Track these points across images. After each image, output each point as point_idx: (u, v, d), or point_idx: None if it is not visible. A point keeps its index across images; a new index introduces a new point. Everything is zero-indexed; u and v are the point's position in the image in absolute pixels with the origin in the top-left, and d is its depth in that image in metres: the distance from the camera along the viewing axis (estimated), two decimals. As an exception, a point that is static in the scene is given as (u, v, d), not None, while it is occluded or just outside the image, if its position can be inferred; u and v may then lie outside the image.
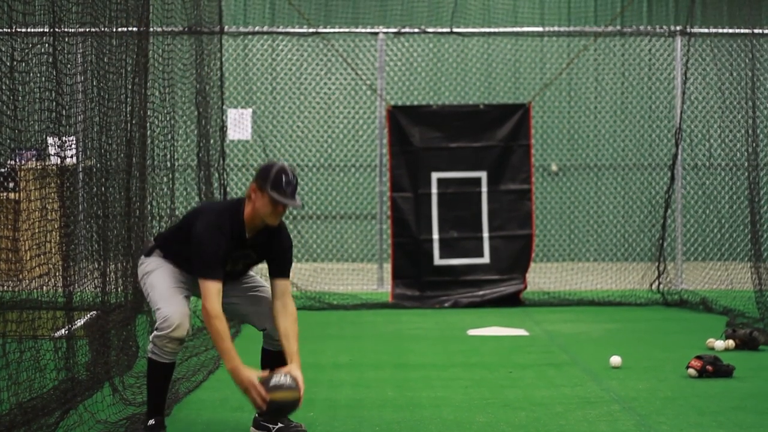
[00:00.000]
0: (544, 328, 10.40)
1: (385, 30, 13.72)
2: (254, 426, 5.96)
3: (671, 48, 14.69)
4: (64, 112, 6.33)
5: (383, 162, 13.16)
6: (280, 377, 5.68)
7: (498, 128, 12.44)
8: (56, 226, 6.40)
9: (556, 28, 14.99)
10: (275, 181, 5.69)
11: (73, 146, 7.24)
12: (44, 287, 6.23)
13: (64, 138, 6.37)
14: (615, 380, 7.64)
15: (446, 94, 15.77)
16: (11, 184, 9.74)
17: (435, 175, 12.37)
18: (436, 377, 7.82)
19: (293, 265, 6.16)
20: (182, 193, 11.41)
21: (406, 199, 12.38)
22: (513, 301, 12.18)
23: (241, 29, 14.49)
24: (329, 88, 15.55)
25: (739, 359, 8.21)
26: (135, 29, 8.16)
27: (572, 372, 8.02)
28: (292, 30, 14.38)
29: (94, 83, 7.36)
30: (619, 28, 14.67)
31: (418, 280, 12.30)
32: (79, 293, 6.89)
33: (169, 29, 9.79)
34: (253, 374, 5.64)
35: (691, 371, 7.73)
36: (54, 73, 6.11)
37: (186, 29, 10.67)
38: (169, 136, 9.52)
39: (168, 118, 9.47)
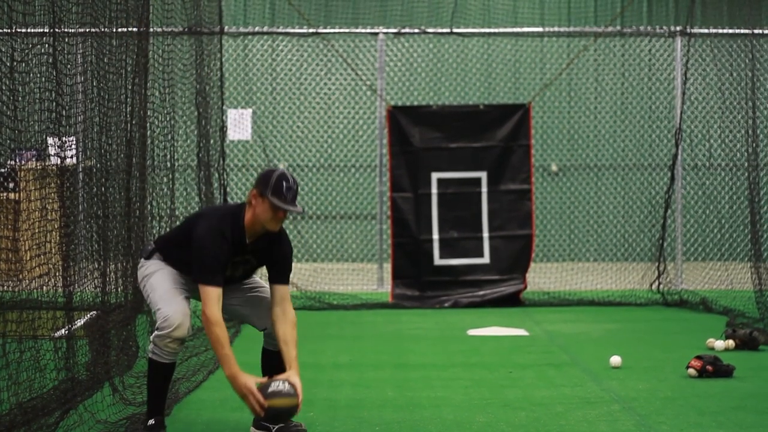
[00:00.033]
0: (544, 328, 10.40)
1: (385, 30, 13.72)
2: (254, 426, 5.96)
3: (671, 48, 14.69)
4: (64, 112, 6.33)
5: (383, 162, 13.16)
6: (278, 384, 5.68)
7: (498, 128, 12.44)
8: (56, 226, 6.40)
9: (556, 29, 14.99)
10: (276, 186, 5.70)
11: (73, 146, 7.24)
12: (44, 287, 6.23)
13: (64, 138, 6.38)
14: (615, 380, 7.64)
15: (446, 94, 15.77)
16: (11, 184, 9.75)
17: (435, 175, 12.37)
18: (436, 377, 7.82)
19: (293, 265, 6.16)
20: (182, 193, 11.41)
21: (406, 199, 12.38)
22: (513, 301, 12.18)
23: (241, 29, 14.49)
24: (329, 88, 15.55)
25: (739, 359, 8.21)
26: (135, 29, 8.16)
27: (572, 372, 8.02)
28: (292, 30, 14.38)
29: (94, 83, 7.36)
30: (619, 28, 14.67)
31: (418, 280, 12.30)
32: (79, 293, 6.89)
33: (169, 29, 9.79)
34: (251, 381, 5.65)
35: (691, 371, 7.73)
36: (54, 73, 6.11)
37: (186, 29, 10.67)
38: (169, 136, 9.52)
39: (168, 118, 9.47)
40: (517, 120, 12.48)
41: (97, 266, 7.37)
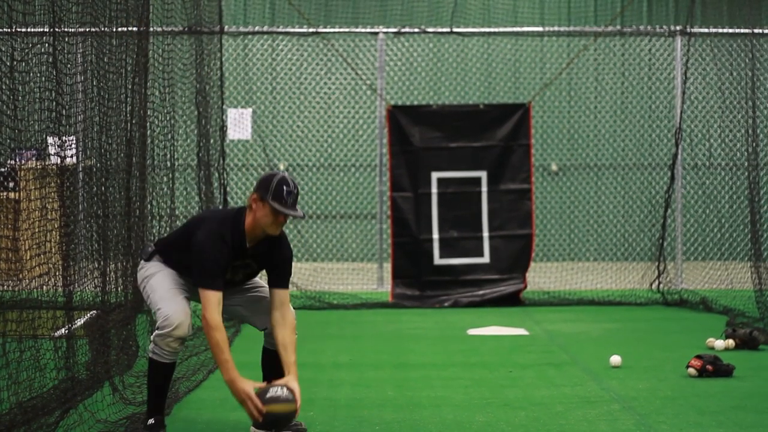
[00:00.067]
0: (544, 327, 10.40)
1: (385, 30, 13.71)
2: (254, 425, 5.96)
3: (671, 48, 14.69)
4: (64, 112, 6.33)
5: (383, 162, 13.16)
6: (276, 390, 5.68)
7: (498, 128, 12.44)
8: (56, 226, 6.40)
9: (556, 28, 14.99)
10: (276, 191, 5.70)
11: (73, 146, 7.24)
12: (44, 287, 6.24)
13: (64, 138, 6.37)
14: (615, 380, 7.64)
15: (446, 94, 15.77)
16: (11, 184, 9.75)
17: (435, 175, 12.37)
18: (436, 377, 7.82)
19: (293, 265, 6.17)
20: (182, 192, 11.41)
21: (406, 198, 12.38)
22: (513, 300, 12.19)
23: (241, 29, 14.49)
24: (329, 88, 15.55)
25: (739, 359, 8.21)
26: (135, 29, 8.16)
27: (572, 372, 8.02)
28: (292, 30, 14.38)
29: (94, 83, 7.36)
30: (619, 28, 14.67)
31: (418, 280, 12.30)
32: (79, 293, 6.89)
33: (169, 29, 9.79)
34: (249, 386, 5.65)
35: (691, 371, 7.73)
36: (54, 73, 6.11)
37: (186, 29, 10.67)
38: (169, 136, 9.52)
39: (168, 118, 9.47)
40: (517, 119, 12.48)
41: (97, 266, 7.37)
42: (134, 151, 8.04)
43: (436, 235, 12.34)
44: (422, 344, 9.45)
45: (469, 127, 12.43)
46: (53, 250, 6.39)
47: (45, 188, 6.34)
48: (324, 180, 15.71)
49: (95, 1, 7.05)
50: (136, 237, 8.11)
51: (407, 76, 15.67)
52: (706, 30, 13.82)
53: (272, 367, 5.98)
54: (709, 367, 7.70)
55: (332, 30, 14.29)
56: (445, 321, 10.98)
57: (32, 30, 5.82)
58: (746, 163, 12.10)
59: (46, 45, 6.07)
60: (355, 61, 14.83)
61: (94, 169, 7.62)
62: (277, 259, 5.92)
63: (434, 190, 12.36)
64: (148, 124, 8.55)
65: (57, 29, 6.17)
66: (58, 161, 6.37)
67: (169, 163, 9.50)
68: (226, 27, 13.04)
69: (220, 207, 11.60)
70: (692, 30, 13.18)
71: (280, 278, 5.93)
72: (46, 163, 7.39)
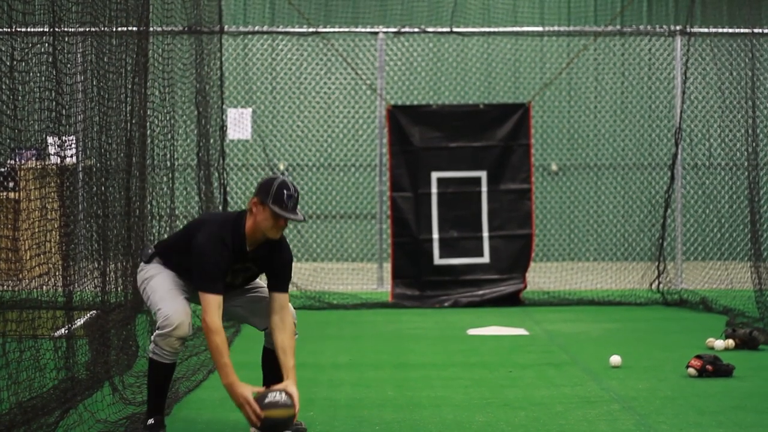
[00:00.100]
0: (544, 327, 10.40)
1: (385, 30, 13.71)
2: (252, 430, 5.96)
3: (671, 48, 14.69)
4: (64, 111, 6.33)
5: (383, 162, 13.16)
6: (275, 395, 5.68)
7: (498, 128, 12.44)
8: (56, 226, 6.40)
9: (556, 28, 14.99)
10: (277, 195, 5.70)
11: (73, 146, 7.24)
12: (44, 287, 6.23)
13: (64, 138, 6.37)
14: (615, 380, 7.64)
15: (446, 93, 15.77)
16: (11, 184, 9.74)
17: (435, 175, 12.37)
18: (436, 377, 7.82)
19: (293, 265, 6.16)
20: (182, 192, 11.41)
21: (406, 198, 12.38)
22: (513, 300, 12.18)
23: (241, 29, 14.49)
24: (329, 88, 15.55)
25: (739, 359, 8.21)
26: (135, 29, 8.16)
27: (572, 372, 8.02)
28: (292, 30, 14.38)
29: (94, 83, 7.36)
30: (619, 27, 14.67)
31: (418, 280, 12.30)
32: (79, 293, 6.89)
33: (169, 29, 9.79)
34: (248, 391, 5.64)
35: (691, 371, 7.73)
36: (54, 72, 6.11)
37: (186, 29, 10.67)
38: (169, 136, 9.51)
39: (168, 118, 9.47)
40: (517, 119, 12.47)
41: (96, 266, 7.37)
42: (134, 151, 8.04)
43: (436, 235, 12.33)
44: (422, 344, 9.45)
45: (469, 127, 12.42)
46: (53, 250, 6.39)
47: (45, 188, 6.34)
48: (324, 180, 15.71)
49: (95, 1, 7.05)
50: (135, 237, 8.11)
51: (407, 76, 15.67)
52: (706, 30, 13.82)
53: (272, 367, 5.97)
54: (709, 367, 7.70)
55: (332, 30, 14.29)
56: (445, 321, 10.98)
57: (32, 30, 5.82)
58: (746, 163, 12.10)
59: (46, 45, 6.07)
60: (355, 61, 14.83)
61: (94, 169, 7.62)
62: (277, 263, 5.91)
63: (434, 190, 12.36)
64: (148, 124, 8.55)
65: (57, 29, 6.17)
66: (58, 161, 6.37)
67: (169, 163, 9.50)
68: (226, 27, 13.04)
69: (220, 207, 11.60)
70: (692, 30, 13.18)
71: (280, 282, 5.93)
72: (46, 163, 7.38)
